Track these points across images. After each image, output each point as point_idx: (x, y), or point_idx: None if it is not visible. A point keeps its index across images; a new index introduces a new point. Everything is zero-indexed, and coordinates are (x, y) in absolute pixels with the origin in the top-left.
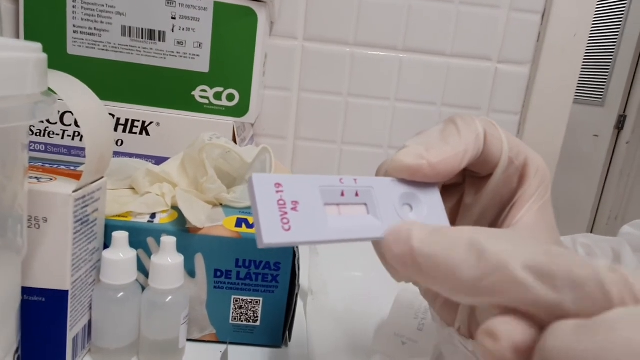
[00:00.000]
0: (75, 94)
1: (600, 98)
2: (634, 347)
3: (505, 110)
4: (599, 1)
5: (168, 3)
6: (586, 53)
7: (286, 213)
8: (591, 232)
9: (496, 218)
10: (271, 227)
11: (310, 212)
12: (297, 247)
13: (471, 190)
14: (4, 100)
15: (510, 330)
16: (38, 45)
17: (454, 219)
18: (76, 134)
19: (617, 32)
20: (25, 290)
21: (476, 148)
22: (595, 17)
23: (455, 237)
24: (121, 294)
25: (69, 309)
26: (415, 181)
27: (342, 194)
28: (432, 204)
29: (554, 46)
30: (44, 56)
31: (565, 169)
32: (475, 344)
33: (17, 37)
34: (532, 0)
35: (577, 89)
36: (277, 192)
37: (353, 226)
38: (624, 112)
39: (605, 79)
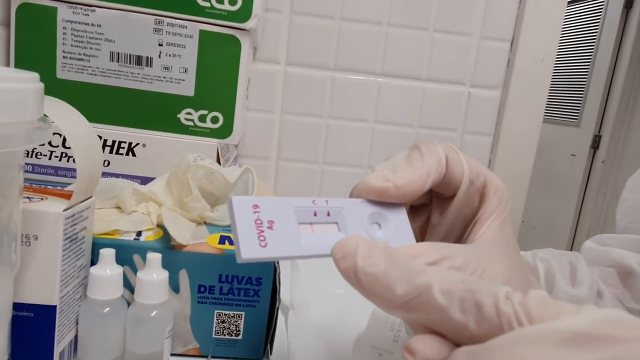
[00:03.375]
0: (66, 117)
1: (576, 119)
2: None
3: (478, 131)
4: (572, 27)
5: (155, 31)
6: (562, 76)
7: (263, 231)
8: (571, 249)
9: (461, 235)
10: (249, 244)
11: (285, 231)
12: (278, 263)
13: (437, 210)
14: (6, 127)
15: (425, 349)
16: (35, 75)
17: (422, 237)
18: (63, 154)
19: (590, 55)
20: (15, 306)
21: (438, 171)
22: (569, 42)
23: (394, 259)
24: (107, 309)
25: (57, 324)
26: (384, 202)
27: (315, 214)
28: (399, 223)
29: (522, 71)
30: (41, 85)
31: (544, 188)
32: None
33: (8, 61)
34: (501, 29)
35: (554, 110)
36: (255, 212)
37: (324, 243)
38: (599, 132)
39: (580, 100)
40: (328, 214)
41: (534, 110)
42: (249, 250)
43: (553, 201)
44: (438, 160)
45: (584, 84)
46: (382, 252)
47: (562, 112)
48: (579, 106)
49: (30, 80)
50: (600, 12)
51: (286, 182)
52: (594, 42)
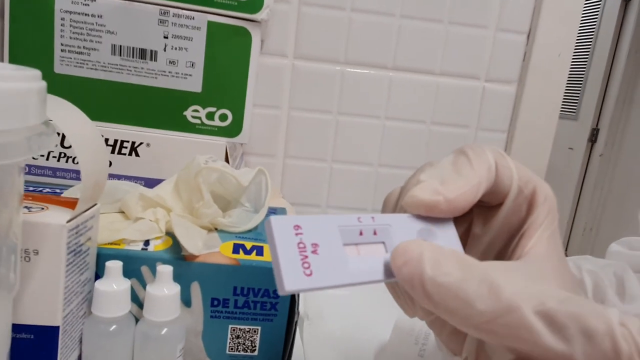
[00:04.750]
0: (69, 118)
1: (574, 112)
2: None
3: (493, 128)
4: None
5: (160, 22)
6: None
7: (307, 257)
8: (567, 243)
9: (504, 248)
10: (292, 273)
11: (330, 255)
12: None
13: (479, 220)
14: (6, 134)
15: None
16: (37, 73)
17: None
18: (62, 155)
19: (589, 48)
20: (13, 327)
21: (489, 179)
22: None
23: (469, 268)
24: (114, 327)
25: (60, 346)
26: (430, 216)
27: (361, 233)
28: (448, 239)
29: (539, 65)
30: (44, 84)
31: None
32: None
33: (2, 54)
34: (517, 21)
35: None
36: (297, 234)
37: (373, 267)
38: (597, 125)
39: (579, 93)
40: (374, 233)
41: (550, 105)
42: (292, 280)
43: None
44: (488, 167)
45: (582, 77)
46: (453, 259)
47: (560, 105)
48: (576, 99)
49: (32, 79)
50: (599, 5)
51: (293, 180)
52: (592, 35)
